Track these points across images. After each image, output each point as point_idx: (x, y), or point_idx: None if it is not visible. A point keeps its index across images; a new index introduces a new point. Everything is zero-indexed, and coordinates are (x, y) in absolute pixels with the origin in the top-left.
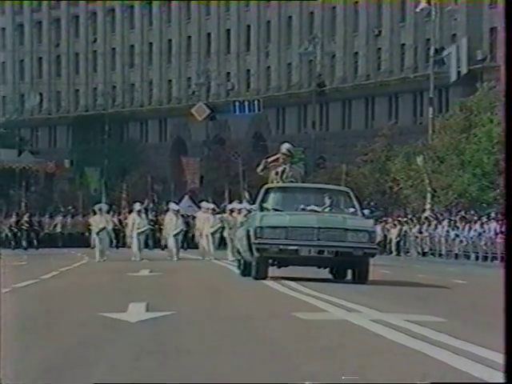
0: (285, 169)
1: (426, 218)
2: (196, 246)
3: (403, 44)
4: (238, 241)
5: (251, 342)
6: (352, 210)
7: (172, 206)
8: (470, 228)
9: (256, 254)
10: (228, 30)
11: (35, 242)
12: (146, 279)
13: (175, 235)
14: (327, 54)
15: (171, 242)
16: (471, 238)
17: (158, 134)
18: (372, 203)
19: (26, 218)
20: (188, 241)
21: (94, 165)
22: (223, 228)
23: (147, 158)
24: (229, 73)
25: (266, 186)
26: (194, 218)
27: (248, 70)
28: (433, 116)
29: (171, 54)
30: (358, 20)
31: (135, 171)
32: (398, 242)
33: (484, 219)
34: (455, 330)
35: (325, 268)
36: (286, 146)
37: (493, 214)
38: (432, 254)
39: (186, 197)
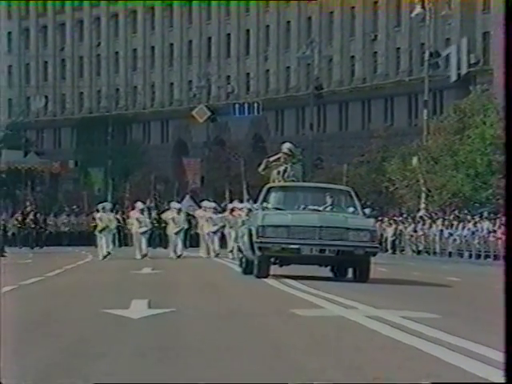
0: (286, 168)
1: (421, 217)
2: (197, 244)
3: (398, 48)
4: (240, 239)
5: (251, 338)
6: (353, 209)
7: (174, 204)
8: (464, 227)
9: (258, 253)
10: (228, 35)
11: (41, 240)
12: (148, 277)
13: (176, 233)
14: (325, 57)
15: (173, 240)
16: (465, 236)
17: (160, 135)
18: (368, 203)
19: (31, 217)
20: (189, 239)
21: (98, 165)
22: (224, 226)
23: (149, 158)
24: (229, 76)
25: (267, 186)
26: (194, 217)
27: (248, 74)
28: (427, 118)
29: (173, 57)
30: (355, 25)
31: (138, 171)
32: (393, 241)
33: (477, 218)
34: (449, 327)
35: (326, 266)
36: (287, 146)
37: (485, 214)
38: (426, 253)
39: (188, 196)
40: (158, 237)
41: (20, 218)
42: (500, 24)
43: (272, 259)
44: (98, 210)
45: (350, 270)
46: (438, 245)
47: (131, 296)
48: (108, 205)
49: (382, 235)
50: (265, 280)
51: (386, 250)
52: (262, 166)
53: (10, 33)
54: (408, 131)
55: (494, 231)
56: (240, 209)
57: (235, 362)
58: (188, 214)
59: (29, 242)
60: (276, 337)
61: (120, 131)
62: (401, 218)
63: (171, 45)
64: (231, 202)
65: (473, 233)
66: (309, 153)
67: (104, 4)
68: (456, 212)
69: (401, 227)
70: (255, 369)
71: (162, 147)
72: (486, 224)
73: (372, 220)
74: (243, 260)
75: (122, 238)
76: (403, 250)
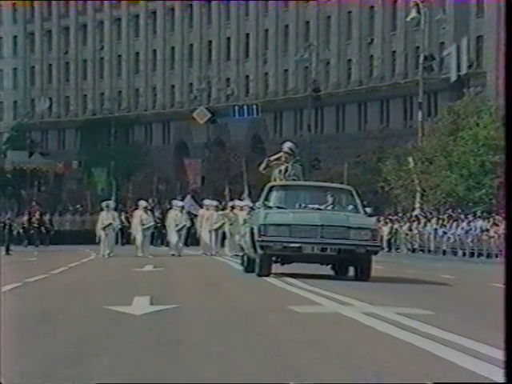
0: (287, 167)
1: (416, 216)
2: (198, 243)
3: (394, 51)
4: (242, 238)
5: (249, 334)
6: (354, 207)
7: (176, 202)
8: (457, 226)
9: (260, 252)
10: (228, 38)
11: (46, 239)
12: (150, 274)
13: (178, 231)
14: (322, 60)
15: (174, 238)
16: (458, 235)
17: (162, 136)
18: (364, 202)
19: (37, 216)
20: (191, 237)
21: (101, 166)
22: (224, 224)
23: (151, 159)
24: (229, 79)
25: (269, 184)
26: (195, 216)
27: (247, 76)
28: (422, 120)
29: (174, 60)
30: (352, 29)
31: (140, 172)
32: (389, 239)
33: (470, 217)
34: (442, 323)
35: (327, 265)
36: (288, 145)
37: (479, 213)
38: (421, 251)
39: (189, 196)
40: (160, 235)
41: (26, 218)
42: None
43: (274, 258)
44: (101, 209)
45: (351, 269)
46: (433, 243)
47: (133, 293)
48: (111, 203)
49: None
50: (264, 278)
51: (382, 248)
52: (263, 165)
53: (15, 36)
54: (403, 132)
55: (487, 230)
56: (241, 206)
57: (235, 356)
58: (189, 213)
59: (34, 240)
60: (274, 332)
61: (122, 132)
62: (396, 217)
63: (172, 48)
64: (231, 200)
65: (466, 231)
66: (306, 153)
67: (107, 8)
68: (450, 211)
69: (396, 226)
70: (254, 363)
71: (164, 148)
72: (479, 223)
73: (373, 219)
74: (244, 258)
75: (125, 236)
76: (398, 249)
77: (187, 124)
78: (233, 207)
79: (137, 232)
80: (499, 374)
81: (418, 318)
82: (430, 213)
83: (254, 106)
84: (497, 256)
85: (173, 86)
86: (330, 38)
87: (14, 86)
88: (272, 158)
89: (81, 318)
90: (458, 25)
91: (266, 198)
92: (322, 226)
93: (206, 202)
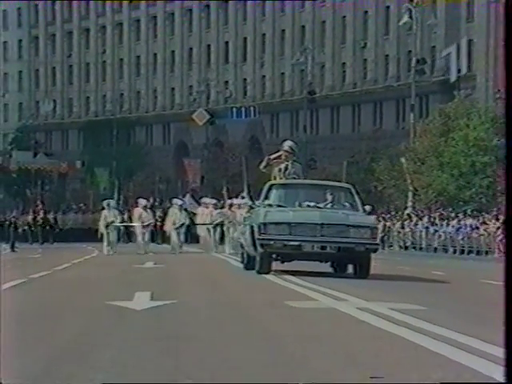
0: (287, 166)
1: (408, 214)
2: (198, 240)
3: (387, 55)
4: (242, 236)
5: (247, 328)
6: (350, 205)
7: (175, 201)
8: (448, 224)
9: (260, 250)
10: (226, 42)
11: (50, 237)
12: (151, 271)
13: (177, 228)
14: (317, 64)
15: (174, 236)
16: (449, 233)
17: (162, 137)
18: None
19: (41, 214)
20: (190, 235)
21: (104, 166)
22: (223, 222)
23: (152, 159)
24: (227, 81)
25: (269, 183)
26: (195, 214)
27: (245, 79)
28: (414, 121)
29: (174, 64)
30: (346, 33)
31: (141, 172)
32: (382, 237)
33: (461, 216)
34: (434, 318)
35: (326, 262)
36: (288, 144)
37: (469, 211)
38: (413, 248)
39: (188, 195)
40: (160, 233)
41: (31, 217)
42: (483, 32)
43: (274, 255)
44: (103, 207)
45: (350, 266)
46: (424, 241)
47: (134, 288)
48: (112, 201)
49: None
50: (263, 275)
51: (382, 248)
52: (263, 164)
53: (20, 40)
54: (396, 134)
55: (477, 228)
56: (238, 205)
57: (234, 350)
58: (187, 211)
59: (38, 238)
60: (271, 327)
61: (124, 133)
62: (389, 216)
63: (172, 52)
64: (230, 199)
65: (457, 229)
66: (302, 154)
67: (109, 13)
68: (441, 210)
69: (389, 224)
70: (252, 358)
71: (164, 148)
72: (470, 221)
73: (372, 217)
74: (244, 256)
75: (127, 234)
76: (391, 246)
77: (187, 125)
78: (231, 205)
79: (137, 230)
80: (490, 367)
81: (411, 313)
82: (422, 211)
83: (252, 108)
84: (486, 253)
85: (173, 89)
86: (325, 42)
87: (19, 88)
88: (272, 157)
89: (83, 313)
90: (448, 29)
91: (266, 197)
92: (322, 224)
93: (205, 200)
